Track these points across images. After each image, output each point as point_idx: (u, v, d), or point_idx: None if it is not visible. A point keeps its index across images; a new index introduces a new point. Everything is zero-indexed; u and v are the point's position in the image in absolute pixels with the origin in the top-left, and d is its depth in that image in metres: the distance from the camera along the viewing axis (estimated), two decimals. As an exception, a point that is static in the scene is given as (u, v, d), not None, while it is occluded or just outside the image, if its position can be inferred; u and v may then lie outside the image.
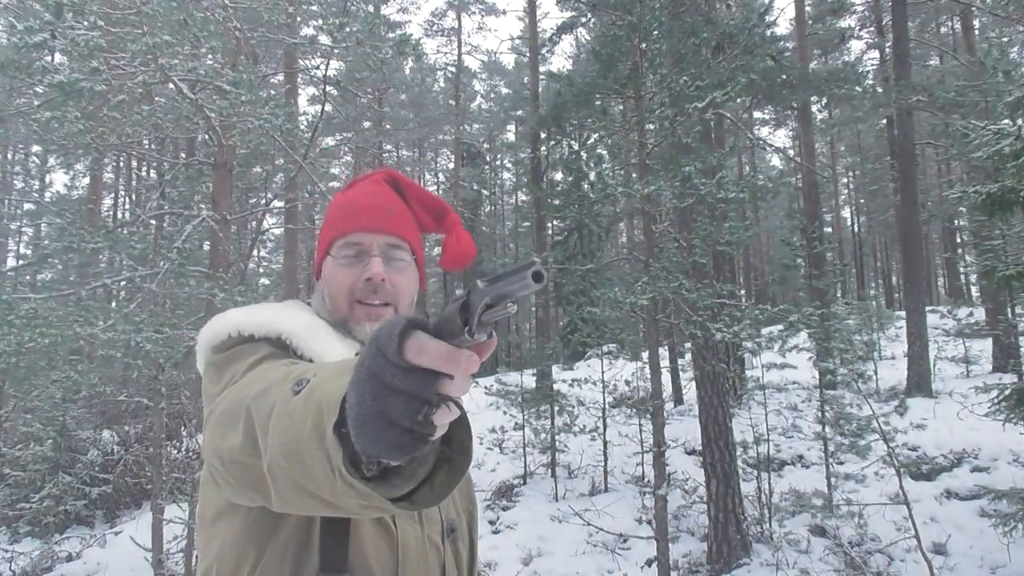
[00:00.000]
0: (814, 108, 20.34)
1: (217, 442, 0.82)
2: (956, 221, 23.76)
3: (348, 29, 6.20)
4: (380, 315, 1.14)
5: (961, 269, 22.77)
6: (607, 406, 10.58)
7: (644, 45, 7.39)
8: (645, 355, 9.20)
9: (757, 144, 20.15)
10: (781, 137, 34.01)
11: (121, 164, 22.82)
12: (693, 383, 8.79)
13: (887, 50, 19.91)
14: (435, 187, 35.71)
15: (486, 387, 11.67)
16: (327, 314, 1.17)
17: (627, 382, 11.53)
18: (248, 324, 1.07)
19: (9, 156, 22.45)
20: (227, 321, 1.10)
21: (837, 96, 13.32)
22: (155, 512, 6.89)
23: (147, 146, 9.40)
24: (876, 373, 13.61)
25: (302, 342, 1.06)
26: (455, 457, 0.68)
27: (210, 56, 7.02)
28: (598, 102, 8.36)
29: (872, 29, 23.11)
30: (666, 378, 12.75)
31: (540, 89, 19.68)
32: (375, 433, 0.56)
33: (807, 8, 18.77)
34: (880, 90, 15.12)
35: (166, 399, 7.20)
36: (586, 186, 7.35)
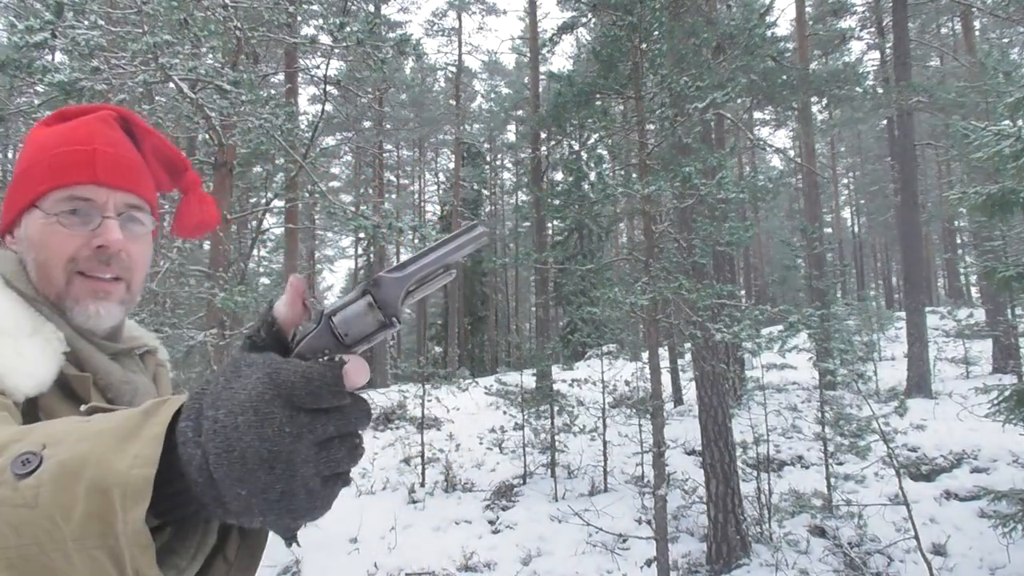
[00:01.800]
0: (814, 109, 20.33)
1: None
2: (956, 222, 23.77)
3: (349, 29, 6.20)
4: (109, 292, 0.91)
5: (961, 270, 22.78)
6: (607, 406, 10.58)
7: (644, 45, 7.39)
8: (645, 355, 9.21)
9: (757, 145, 20.15)
10: (781, 138, 34.01)
11: (121, 163, 22.82)
12: (693, 383, 8.79)
13: (887, 51, 19.92)
14: (435, 187, 35.75)
15: (486, 387, 11.68)
16: (27, 287, 0.89)
17: (627, 382, 11.53)
18: None
19: (10, 155, 22.48)
20: None
21: (837, 97, 13.33)
22: (155, 511, 6.88)
23: (147, 145, 9.39)
24: (876, 374, 13.60)
25: None
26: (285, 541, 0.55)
27: (211, 56, 7.02)
28: (598, 102, 8.36)
29: (872, 30, 23.11)
30: (666, 378, 12.75)
31: (540, 89, 19.69)
32: (309, 502, 0.48)
33: (807, 9, 18.77)
34: (880, 91, 15.12)
35: (166, 398, 7.18)
36: (586, 186, 7.36)
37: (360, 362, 0.52)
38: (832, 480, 8.44)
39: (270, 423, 0.47)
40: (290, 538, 0.52)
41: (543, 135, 18.40)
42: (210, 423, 0.47)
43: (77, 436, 0.50)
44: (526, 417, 10.64)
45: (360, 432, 0.52)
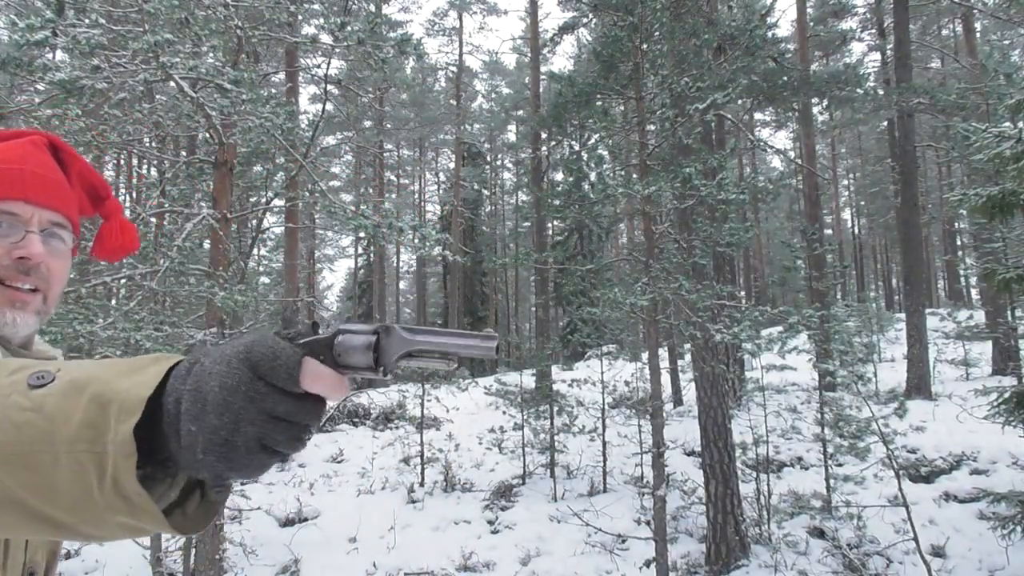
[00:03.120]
0: (815, 110, 20.33)
1: None
2: (956, 223, 23.78)
3: (349, 28, 6.20)
4: (27, 302, 0.96)
5: (961, 272, 22.77)
6: (606, 407, 10.58)
7: (645, 46, 7.39)
8: (645, 356, 9.21)
9: (758, 146, 20.15)
10: (782, 139, 34.01)
11: (122, 162, 22.83)
12: (693, 384, 8.79)
13: (888, 52, 19.90)
14: (436, 187, 35.74)
15: (486, 387, 11.68)
16: None
17: (626, 383, 11.53)
18: None
19: (10, 153, 22.52)
20: None
21: (838, 98, 13.33)
22: (154, 510, 6.88)
23: (148, 144, 9.41)
24: (876, 375, 13.60)
25: None
26: (210, 491, 0.62)
27: (211, 54, 7.02)
28: (599, 103, 8.36)
29: (873, 31, 23.11)
30: (666, 379, 12.75)
31: (541, 89, 19.68)
32: (244, 459, 0.53)
33: (808, 10, 18.77)
34: (881, 92, 15.13)
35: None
36: (587, 186, 7.35)
37: (326, 375, 0.57)
38: (831, 481, 8.44)
39: (233, 377, 0.54)
40: (218, 486, 0.58)
41: (543, 135, 18.39)
42: (199, 367, 0.55)
43: (90, 364, 0.60)
44: (526, 417, 10.64)
45: (307, 427, 0.57)
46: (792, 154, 24.86)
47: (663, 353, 12.40)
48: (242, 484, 8.67)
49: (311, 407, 0.57)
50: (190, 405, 0.53)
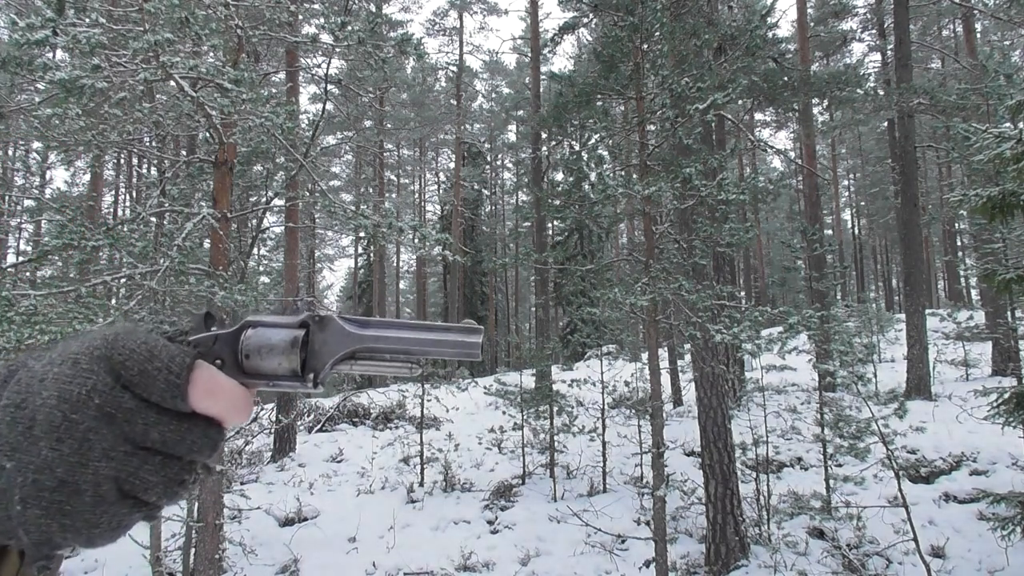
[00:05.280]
0: (815, 110, 20.35)
1: None
2: (956, 224, 23.77)
3: (350, 28, 6.20)
4: None
5: (961, 272, 22.75)
6: (606, 407, 10.58)
7: (646, 46, 7.39)
8: (644, 356, 9.20)
9: (758, 146, 20.15)
10: (782, 139, 34.03)
11: (122, 161, 22.83)
12: (692, 384, 8.79)
13: (889, 53, 19.91)
14: (436, 187, 35.72)
15: (485, 387, 11.67)
16: None
17: (626, 383, 11.52)
18: None
19: (10, 152, 22.47)
20: None
21: (838, 98, 13.33)
22: (153, 510, 6.88)
23: (148, 143, 9.40)
24: (876, 376, 13.60)
25: None
26: (29, 564, 0.40)
27: (211, 54, 7.02)
28: (599, 103, 8.35)
29: (874, 32, 23.12)
30: (665, 379, 12.75)
31: (541, 89, 19.68)
32: (90, 513, 0.35)
33: (809, 10, 18.77)
34: (881, 93, 15.12)
35: (165, 397, 7.16)
36: (587, 186, 7.35)
37: (227, 387, 0.40)
38: (831, 482, 8.44)
39: (81, 384, 0.36)
40: (42, 558, 0.37)
41: (544, 135, 18.40)
42: (25, 372, 0.38)
43: None
44: (525, 417, 10.64)
45: (193, 465, 0.39)
46: (792, 154, 24.86)
47: (663, 353, 12.40)
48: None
49: (201, 434, 0.39)
50: (4, 428, 0.35)
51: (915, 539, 6.65)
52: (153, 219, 8.49)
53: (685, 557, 7.94)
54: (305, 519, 9.01)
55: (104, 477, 0.35)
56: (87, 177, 18.44)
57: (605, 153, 7.84)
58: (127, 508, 0.37)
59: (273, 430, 11.64)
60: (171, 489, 0.38)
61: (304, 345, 0.43)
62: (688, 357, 10.72)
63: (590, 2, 10.06)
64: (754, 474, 8.77)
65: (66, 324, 5.55)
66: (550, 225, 23.29)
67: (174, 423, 0.38)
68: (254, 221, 8.96)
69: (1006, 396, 6.88)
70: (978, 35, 20.53)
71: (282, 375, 0.43)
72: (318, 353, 0.44)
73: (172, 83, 5.90)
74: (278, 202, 9.59)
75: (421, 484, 10.09)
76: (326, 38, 7.06)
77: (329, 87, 7.54)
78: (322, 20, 11.17)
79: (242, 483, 10.19)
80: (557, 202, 8.52)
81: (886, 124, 21.55)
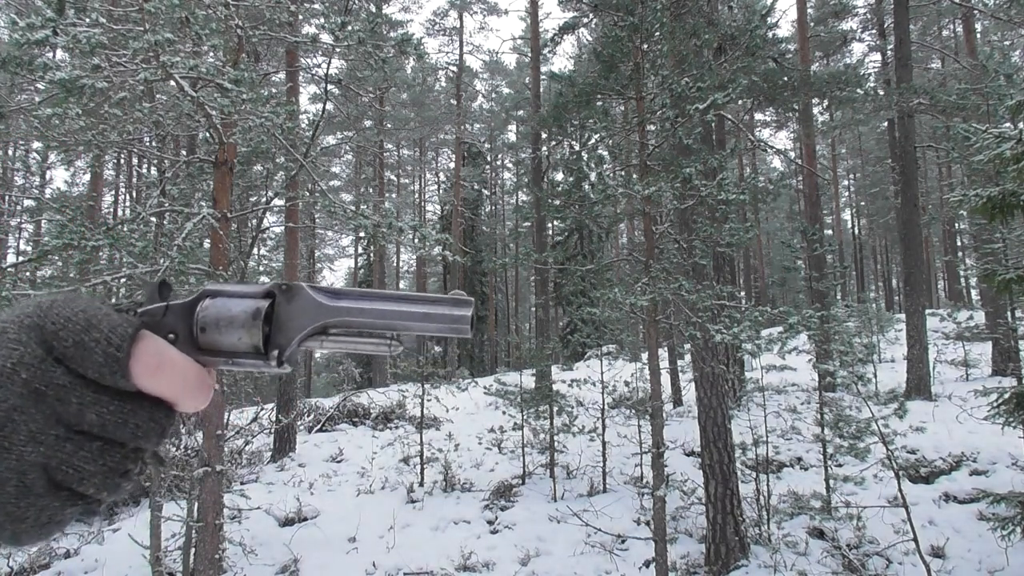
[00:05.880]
0: (815, 110, 20.35)
1: None
2: (957, 224, 23.78)
3: (350, 28, 6.20)
4: None
5: (961, 272, 22.77)
6: (606, 407, 10.58)
7: (646, 46, 7.39)
8: (644, 356, 9.20)
9: (758, 146, 20.15)
10: (782, 139, 34.03)
11: (122, 161, 22.83)
12: (692, 384, 8.79)
13: (889, 53, 19.90)
14: (436, 187, 35.73)
15: (485, 387, 11.67)
16: None
17: (626, 383, 11.53)
18: None
19: (10, 152, 22.48)
20: None
21: (838, 98, 13.33)
22: (153, 510, 6.89)
23: (148, 143, 9.40)
24: (876, 376, 13.61)
25: None
26: None
27: (212, 54, 7.02)
28: (599, 103, 8.35)
29: (874, 32, 23.12)
30: (665, 379, 12.75)
31: (541, 89, 19.69)
32: (13, 506, 0.31)
33: (809, 10, 18.77)
34: (881, 93, 15.13)
35: (165, 397, 7.16)
36: (587, 186, 7.35)
37: (178, 363, 0.35)
38: (831, 482, 8.44)
39: (6, 354, 0.31)
40: None
41: (544, 135, 18.40)
42: None
43: None
44: (525, 417, 10.64)
45: (139, 453, 0.35)
46: (792, 154, 24.86)
47: (663, 353, 12.40)
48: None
49: (147, 417, 0.34)
50: None
51: (915, 539, 6.65)
52: (153, 219, 8.50)
53: (685, 557, 7.94)
54: (305, 519, 9.01)
55: (30, 464, 0.31)
56: (87, 177, 18.45)
57: (605, 153, 7.84)
58: (59, 501, 0.33)
59: (273, 430, 11.64)
60: (112, 480, 0.34)
61: (268, 318, 0.38)
62: (688, 357, 10.72)
63: (590, 2, 10.06)
64: (754, 474, 8.77)
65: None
66: (550, 225, 23.30)
67: (115, 403, 0.33)
68: (254, 221, 8.97)
69: (1006, 396, 6.89)
70: (978, 35, 20.53)
71: (243, 351, 0.37)
72: (284, 327, 0.38)
73: (172, 83, 5.90)
74: (278, 202, 9.59)
75: (421, 484, 10.09)
76: (326, 38, 7.06)
77: (329, 87, 7.55)
78: (322, 20, 11.17)
79: (242, 483, 10.19)
80: (557, 202, 8.52)
81: (886, 124, 21.56)
